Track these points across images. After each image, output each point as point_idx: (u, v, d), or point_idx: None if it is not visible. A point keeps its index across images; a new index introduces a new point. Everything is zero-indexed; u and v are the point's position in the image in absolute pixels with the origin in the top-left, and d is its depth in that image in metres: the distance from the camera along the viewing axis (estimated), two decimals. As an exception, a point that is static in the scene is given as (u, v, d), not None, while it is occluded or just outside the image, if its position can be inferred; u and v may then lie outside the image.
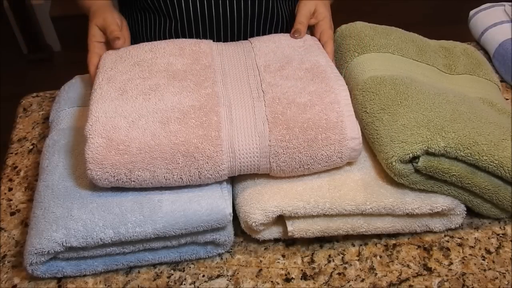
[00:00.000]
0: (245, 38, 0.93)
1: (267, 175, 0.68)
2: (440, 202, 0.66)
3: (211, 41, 0.78)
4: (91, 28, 0.79)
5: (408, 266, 0.67)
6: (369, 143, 0.70)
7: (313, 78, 0.70)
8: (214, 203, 0.64)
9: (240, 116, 0.66)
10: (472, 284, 0.65)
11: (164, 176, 0.63)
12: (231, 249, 0.69)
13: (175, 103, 0.66)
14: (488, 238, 0.70)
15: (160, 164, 0.62)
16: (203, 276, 0.67)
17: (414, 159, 0.64)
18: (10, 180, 0.79)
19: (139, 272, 0.67)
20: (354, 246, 0.69)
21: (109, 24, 0.77)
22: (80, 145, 0.70)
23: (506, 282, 0.65)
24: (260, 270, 0.67)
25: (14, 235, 0.71)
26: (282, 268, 0.67)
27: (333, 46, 0.80)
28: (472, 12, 1.06)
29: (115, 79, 0.70)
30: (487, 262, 0.67)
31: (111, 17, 0.78)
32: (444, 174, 0.64)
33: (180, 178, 0.63)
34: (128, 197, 0.64)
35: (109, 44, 0.78)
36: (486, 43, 0.99)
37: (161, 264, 0.68)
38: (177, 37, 0.94)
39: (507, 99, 0.90)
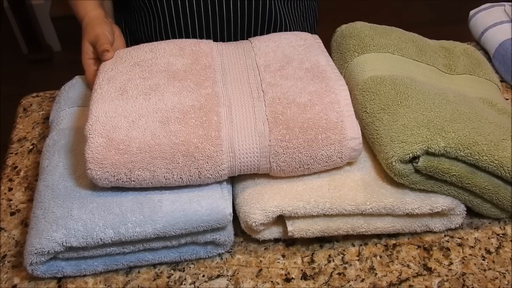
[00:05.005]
0: (244, 38, 0.93)
1: (267, 175, 0.68)
2: (440, 202, 0.66)
3: (211, 41, 0.78)
4: (83, 45, 0.81)
5: (408, 266, 0.67)
6: (369, 143, 0.70)
7: (313, 78, 0.70)
8: (214, 203, 0.64)
9: (240, 116, 0.66)
10: (472, 284, 0.65)
11: (164, 176, 0.63)
12: (231, 249, 0.69)
13: (175, 103, 0.66)
14: (488, 238, 0.70)
15: (160, 164, 0.62)
16: (203, 276, 0.67)
17: (414, 159, 0.64)
18: (10, 180, 0.79)
19: (139, 272, 0.67)
20: (354, 246, 0.69)
21: (100, 39, 0.78)
22: (80, 145, 0.70)
23: (506, 282, 0.65)
24: (260, 270, 0.67)
25: (14, 235, 0.71)
26: (282, 268, 0.67)
27: None
28: (472, 12, 1.06)
29: (115, 79, 0.70)
30: (487, 262, 0.67)
31: (101, 32, 0.79)
32: (444, 174, 0.64)
33: (180, 178, 0.63)
34: (128, 197, 0.64)
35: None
36: (486, 43, 0.99)
37: (161, 264, 0.68)
38: (175, 37, 0.95)
39: (507, 99, 0.90)
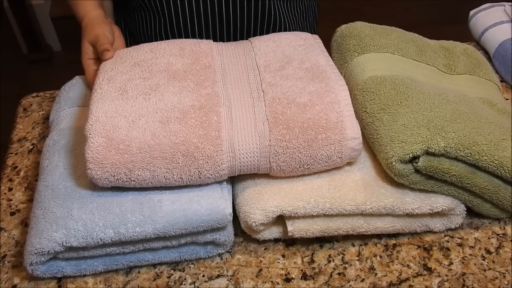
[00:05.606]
0: (244, 38, 0.93)
1: (267, 175, 0.68)
2: (440, 202, 0.66)
3: (211, 41, 0.78)
4: (83, 45, 0.81)
5: (408, 266, 0.67)
6: (369, 143, 0.70)
7: (313, 78, 0.70)
8: (214, 203, 0.64)
9: (240, 116, 0.66)
10: (472, 284, 0.65)
11: (164, 176, 0.63)
12: (231, 249, 0.69)
13: (175, 103, 0.66)
14: (488, 238, 0.70)
15: (160, 164, 0.62)
16: (203, 276, 0.67)
17: (414, 159, 0.64)
18: (10, 180, 0.79)
19: (139, 272, 0.67)
20: (354, 246, 0.69)
21: (100, 39, 0.78)
22: (80, 145, 0.70)
23: (506, 282, 0.65)
24: (260, 270, 0.67)
25: (14, 235, 0.71)
26: (282, 268, 0.67)
27: None
28: (472, 12, 1.06)
29: (115, 79, 0.70)
30: (487, 262, 0.67)
31: (101, 32, 0.79)
32: (444, 174, 0.64)
33: (180, 177, 0.63)
34: (128, 197, 0.64)
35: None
36: (486, 43, 0.99)
37: (161, 264, 0.68)
38: (175, 37, 0.95)
39: (507, 99, 0.90)
